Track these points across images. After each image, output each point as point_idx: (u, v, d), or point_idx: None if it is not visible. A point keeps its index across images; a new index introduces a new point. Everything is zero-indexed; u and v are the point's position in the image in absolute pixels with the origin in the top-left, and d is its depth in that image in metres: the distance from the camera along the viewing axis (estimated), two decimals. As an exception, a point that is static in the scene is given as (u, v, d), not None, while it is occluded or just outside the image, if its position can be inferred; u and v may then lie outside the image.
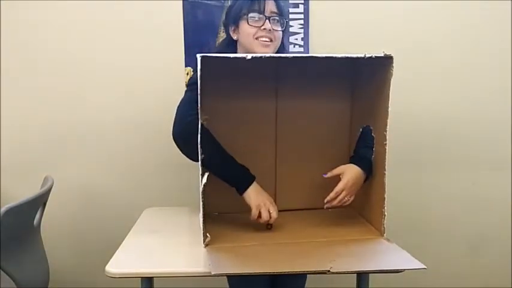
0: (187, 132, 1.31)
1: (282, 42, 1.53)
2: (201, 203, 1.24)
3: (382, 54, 1.22)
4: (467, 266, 2.15)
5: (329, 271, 1.07)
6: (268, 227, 1.38)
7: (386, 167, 1.29)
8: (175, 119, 1.42)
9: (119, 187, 2.03)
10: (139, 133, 1.98)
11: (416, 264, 1.14)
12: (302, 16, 1.91)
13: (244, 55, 1.16)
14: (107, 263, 1.19)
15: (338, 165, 1.39)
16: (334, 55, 1.20)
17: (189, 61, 1.92)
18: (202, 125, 1.31)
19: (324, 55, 1.21)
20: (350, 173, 1.36)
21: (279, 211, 1.53)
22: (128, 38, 1.93)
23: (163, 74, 1.94)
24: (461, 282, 2.14)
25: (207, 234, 1.26)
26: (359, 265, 1.15)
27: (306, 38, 1.92)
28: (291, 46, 1.92)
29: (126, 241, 1.36)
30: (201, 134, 1.22)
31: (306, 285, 1.63)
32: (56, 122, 1.98)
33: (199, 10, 1.91)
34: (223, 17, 1.83)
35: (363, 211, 1.48)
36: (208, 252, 1.21)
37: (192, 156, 1.32)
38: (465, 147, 2.06)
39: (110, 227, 2.00)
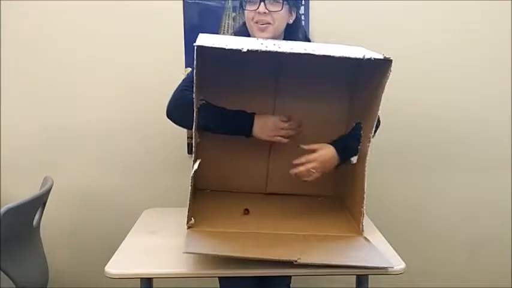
0: (181, 103, 1.32)
1: (295, 23, 1.50)
2: (189, 188, 1.24)
3: (382, 57, 1.20)
4: (467, 266, 2.15)
5: (296, 261, 1.09)
6: (245, 212, 1.40)
7: (366, 168, 1.28)
8: (172, 95, 1.46)
9: (118, 187, 2.03)
10: (139, 133, 1.98)
11: (387, 262, 1.13)
12: (303, 17, 1.91)
13: (240, 47, 1.15)
14: (107, 263, 1.18)
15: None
16: (332, 54, 1.19)
17: (189, 61, 1.92)
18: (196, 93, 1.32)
19: (322, 53, 1.21)
20: (325, 151, 1.36)
21: (269, 194, 1.56)
22: (128, 38, 1.93)
23: (164, 74, 1.94)
24: (461, 282, 2.14)
25: (192, 218, 1.28)
26: (327, 259, 1.14)
27: (306, 38, 1.92)
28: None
29: (126, 241, 1.36)
30: (199, 112, 1.24)
31: (307, 286, 1.64)
32: (55, 122, 1.99)
33: (200, 10, 1.91)
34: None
35: (350, 209, 1.47)
36: (188, 234, 1.23)
37: (187, 125, 1.33)
38: (465, 148, 2.06)
39: (109, 227, 2.00)
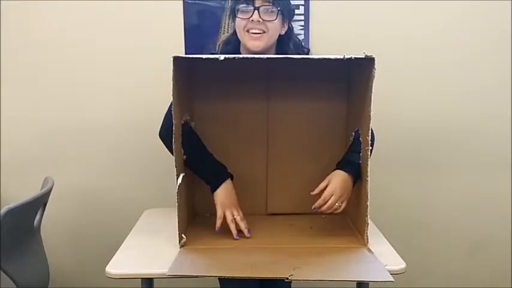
0: (169, 132, 1.29)
1: (287, 34, 1.48)
2: (176, 204, 1.24)
3: (363, 56, 1.18)
4: (467, 266, 2.15)
5: (287, 278, 1.08)
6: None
7: (369, 174, 1.26)
8: (163, 118, 1.47)
9: (119, 188, 2.04)
10: (139, 134, 1.98)
11: (386, 276, 1.11)
12: (302, 18, 1.91)
13: (217, 56, 1.16)
14: (107, 264, 1.19)
15: (332, 169, 1.38)
16: (310, 56, 1.19)
17: (189, 61, 1.92)
18: (184, 124, 1.33)
19: (298, 57, 1.22)
20: (336, 179, 1.34)
21: (271, 214, 1.55)
22: (128, 39, 1.93)
23: (163, 74, 1.93)
24: (461, 282, 2.14)
25: (183, 235, 1.27)
26: (320, 274, 1.13)
27: (306, 39, 1.92)
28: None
29: (126, 242, 1.36)
30: (182, 133, 1.24)
31: (308, 286, 1.63)
32: (56, 123, 1.99)
33: (200, 11, 1.91)
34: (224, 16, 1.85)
35: (353, 219, 1.46)
36: (179, 253, 1.23)
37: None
38: (465, 147, 2.06)
39: (110, 227, 2.00)
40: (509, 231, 2.12)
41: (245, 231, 1.35)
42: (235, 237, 1.33)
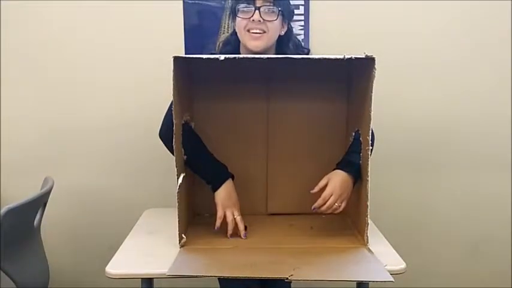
0: (169, 132, 1.29)
1: (286, 34, 1.48)
2: (177, 204, 1.24)
3: (363, 56, 1.18)
4: (467, 266, 2.15)
5: (287, 278, 1.08)
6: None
7: (369, 173, 1.26)
8: (163, 118, 1.47)
9: (118, 188, 2.04)
10: (139, 133, 1.98)
11: (386, 276, 1.11)
12: (302, 18, 1.91)
13: (217, 56, 1.16)
14: (107, 263, 1.19)
15: (332, 169, 1.38)
16: (310, 56, 1.19)
17: (189, 61, 1.92)
18: (184, 124, 1.33)
19: (298, 57, 1.22)
20: (335, 178, 1.34)
21: (271, 215, 1.55)
22: (128, 39, 1.93)
23: (164, 74, 1.92)
24: (461, 282, 2.14)
25: (183, 235, 1.27)
26: (320, 274, 1.12)
27: (306, 39, 1.92)
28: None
29: (126, 242, 1.36)
30: (182, 133, 1.24)
31: (309, 286, 1.64)
32: (56, 123, 1.99)
33: (200, 11, 1.91)
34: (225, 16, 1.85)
35: (353, 219, 1.46)
36: (179, 253, 1.23)
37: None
38: (465, 147, 2.06)
39: (109, 227, 2.00)
40: (509, 231, 2.12)
41: (241, 233, 1.35)
42: (229, 237, 1.33)
